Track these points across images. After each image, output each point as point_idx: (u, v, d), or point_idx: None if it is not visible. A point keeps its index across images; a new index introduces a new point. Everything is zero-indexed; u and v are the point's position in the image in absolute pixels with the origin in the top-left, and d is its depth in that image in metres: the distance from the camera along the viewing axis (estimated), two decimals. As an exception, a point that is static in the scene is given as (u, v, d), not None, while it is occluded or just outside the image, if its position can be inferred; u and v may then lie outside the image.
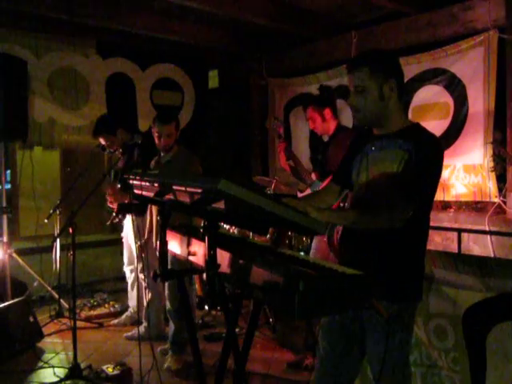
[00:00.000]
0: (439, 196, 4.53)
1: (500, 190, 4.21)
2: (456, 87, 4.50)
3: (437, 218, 4.36)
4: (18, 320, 3.91)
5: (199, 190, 1.57)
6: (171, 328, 3.74)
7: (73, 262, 3.44)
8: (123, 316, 4.65)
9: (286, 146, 3.96)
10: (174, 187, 1.74)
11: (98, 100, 5.81)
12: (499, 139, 4.19)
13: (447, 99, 4.56)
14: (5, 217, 4.63)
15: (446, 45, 4.50)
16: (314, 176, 3.82)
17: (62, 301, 4.77)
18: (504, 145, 4.12)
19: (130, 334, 4.24)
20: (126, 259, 4.49)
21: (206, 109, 6.83)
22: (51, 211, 4.55)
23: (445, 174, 4.48)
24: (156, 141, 3.75)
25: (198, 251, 1.93)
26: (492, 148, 4.17)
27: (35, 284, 4.91)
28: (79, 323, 4.12)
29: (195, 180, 1.62)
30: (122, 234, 4.51)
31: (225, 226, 4.15)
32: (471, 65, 4.36)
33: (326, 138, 3.84)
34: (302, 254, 2.60)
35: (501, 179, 4.21)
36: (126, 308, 4.77)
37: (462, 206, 4.57)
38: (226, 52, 6.26)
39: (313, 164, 4.05)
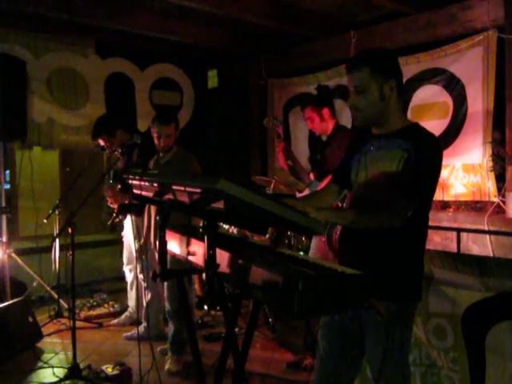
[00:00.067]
0: (438, 196, 4.53)
1: (499, 189, 4.21)
2: (455, 87, 4.50)
3: (436, 218, 4.35)
4: (17, 320, 3.91)
5: (198, 190, 1.57)
6: (170, 328, 3.73)
7: (72, 262, 3.44)
8: (122, 316, 4.65)
9: (284, 146, 3.95)
10: (174, 187, 1.74)
11: (97, 100, 5.81)
12: (498, 139, 4.19)
13: (446, 99, 4.56)
14: (4, 217, 4.64)
15: (445, 44, 4.50)
16: (312, 176, 3.82)
17: (61, 301, 4.77)
18: (503, 144, 4.12)
19: (129, 334, 4.25)
20: (125, 259, 4.49)
21: (206, 109, 6.83)
22: (50, 211, 4.55)
23: (444, 173, 4.49)
24: (155, 141, 3.73)
25: (198, 251, 1.93)
26: (491, 148, 4.18)
27: (34, 284, 4.91)
28: (78, 323, 4.11)
29: (194, 180, 1.62)
30: (123, 234, 4.52)
31: (224, 225, 4.15)
32: (470, 64, 4.35)
33: (324, 138, 3.85)
34: (301, 253, 2.61)
35: (500, 179, 4.22)
36: (125, 308, 4.77)
37: (461, 205, 4.57)
38: (225, 52, 6.25)
39: (311, 164, 4.05)
